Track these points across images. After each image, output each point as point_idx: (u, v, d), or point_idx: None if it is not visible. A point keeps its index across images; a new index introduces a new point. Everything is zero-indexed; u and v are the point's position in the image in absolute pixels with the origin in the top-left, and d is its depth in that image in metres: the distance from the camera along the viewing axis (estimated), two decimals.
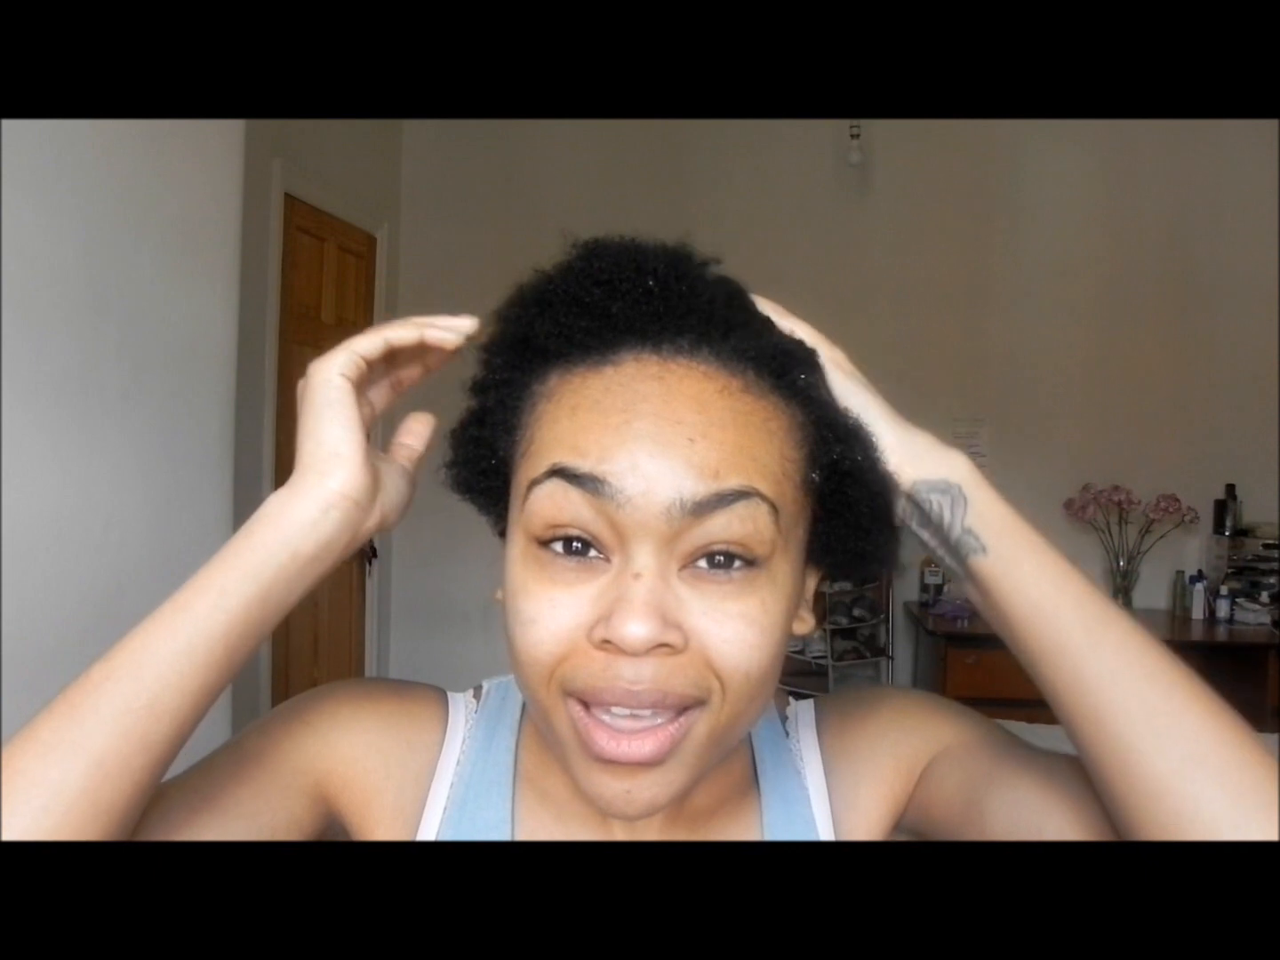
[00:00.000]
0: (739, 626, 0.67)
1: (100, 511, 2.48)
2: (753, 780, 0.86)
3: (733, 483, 0.66)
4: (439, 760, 0.84)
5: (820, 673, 5.09)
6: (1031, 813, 0.75)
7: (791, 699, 0.91)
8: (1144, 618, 4.33)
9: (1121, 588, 5.09)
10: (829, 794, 0.85)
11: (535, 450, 0.70)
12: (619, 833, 0.82)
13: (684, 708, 0.67)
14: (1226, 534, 5.10)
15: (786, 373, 0.71)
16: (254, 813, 0.75)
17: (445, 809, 0.82)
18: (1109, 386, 5.20)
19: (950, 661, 4.65)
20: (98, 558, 2.48)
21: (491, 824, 0.81)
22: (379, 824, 0.81)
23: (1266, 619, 4.89)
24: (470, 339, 0.75)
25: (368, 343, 0.73)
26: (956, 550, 0.75)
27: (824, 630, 5.06)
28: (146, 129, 2.48)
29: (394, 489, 0.77)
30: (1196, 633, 4.96)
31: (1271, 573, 4.99)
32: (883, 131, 5.24)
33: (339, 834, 0.83)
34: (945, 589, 5.15)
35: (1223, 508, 5.14)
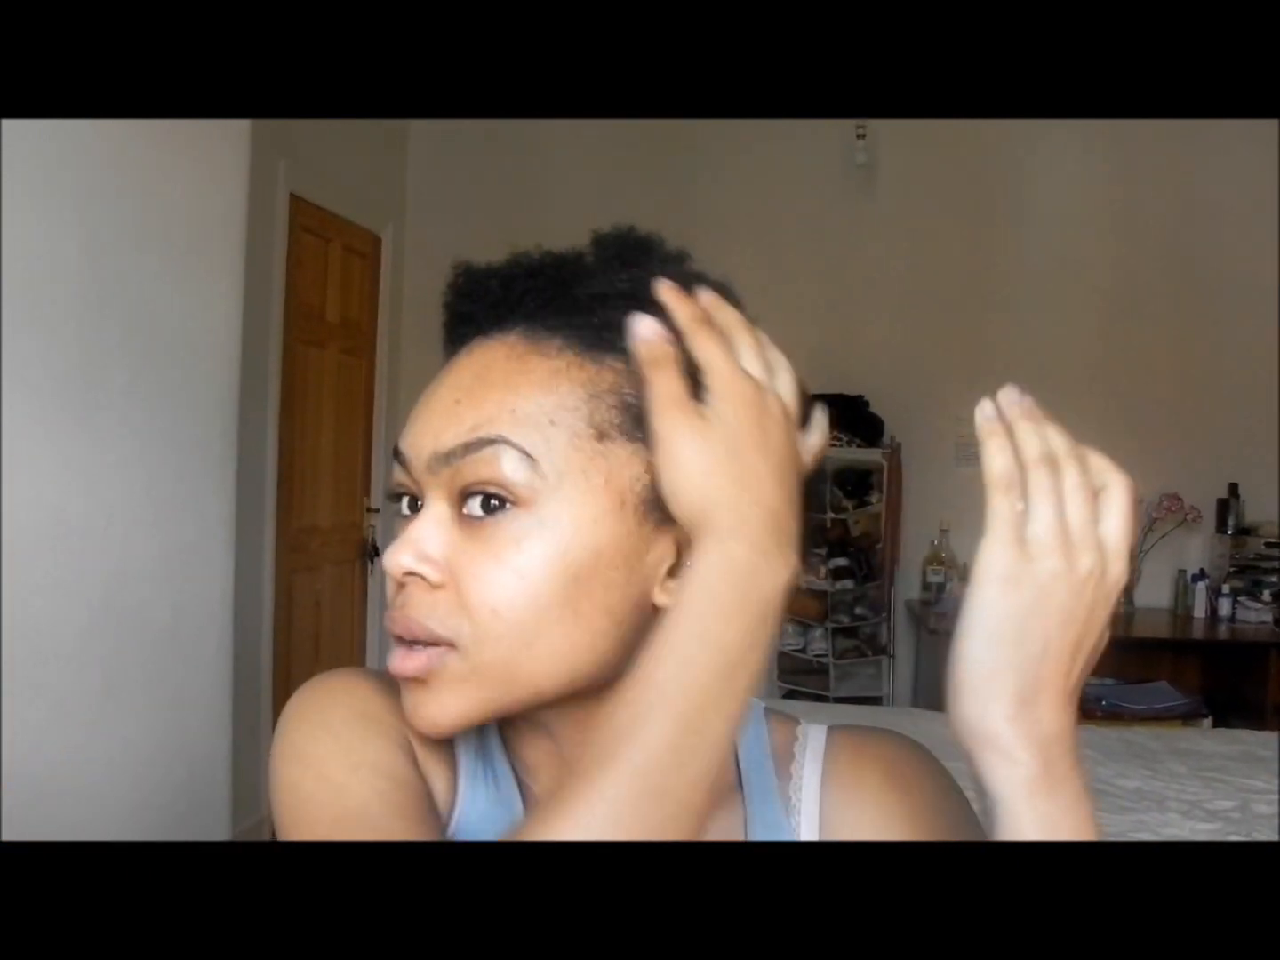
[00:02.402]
0: (488, 565, 0.72)
1: (103, 509, 2.48)
2: (736, 790, 0.85)
3: (480, 433, 0.72)
4: (459, 764, 0.85)
5: (821, 671, 5.09)
6: None
7: (802, 722, 0.90)
8: (1146, 616, 4.31)
9: (1123, 586, 5.09)
10: (820, 831, 0.84)
11: None
12: None
13: (437, 643, 0.74)
14: (1229, 533, 5.09)
15: (598, 330, 0.75)
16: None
17: (462, 781, 0.84)
18: (1112, 386, 5.20)
19: None
20: (100, 555, 2.48)
21: (499, 817, 0.82)
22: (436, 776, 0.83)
23: (1268, 617, 4.89)
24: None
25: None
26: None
27: (825, 628, 5.07)
28: (152, 129, 2.48)
29: None
30: (1198, 631, 4.97)
31: (1273, 571, 4.99)
32: (888, 132, 5.23)
33: None
34: (947, 588, 5.14)
35: (1225, 507, 5.14)
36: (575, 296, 0.76)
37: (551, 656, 0.73)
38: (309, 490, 4.84)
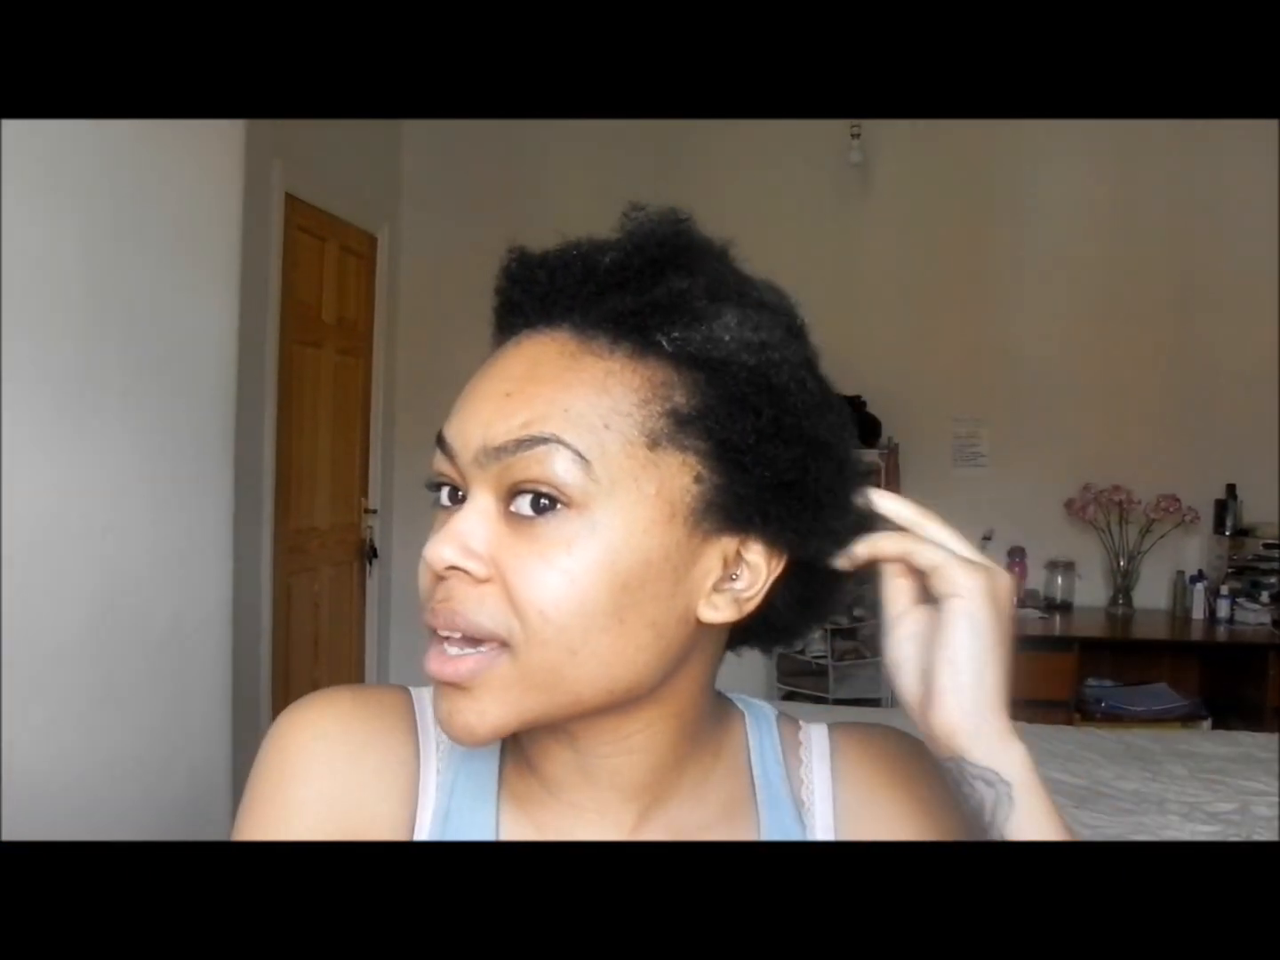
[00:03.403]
0: (537, 566, 0.71)
1: (101, 511, 2.48)
2: (750, 802, 0.85)
3: (533, 430, 0.71)
4: (419, 775, 0.84)
5: (820, 672, 5.09)
6: None
7: (802, 722, 0.90)
8: (1144, 618, 4.31)
9: (1122, 588, 5.10)
10: (836, 837, 0.84)
11: None
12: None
13: (482, 640, 0.72)
14: (1227, 534, 5.09)
15: (648, 334, 0.73)
16: None
17: (431, 822, 0.82)
18: (1110, 386, 5.21)
19: None
20: (98, 557, 2.48)
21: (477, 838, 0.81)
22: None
23: (1267, 619, 4.89)
24: None
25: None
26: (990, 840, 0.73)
27: (824, 630, 5.06)
28: (147, 130, 2.48)
29: None
30: (1197, 633, 4.97)
31: (1272, 572, 4.99)
32: (883, 131, 5.23)
33: None
34: None
35: (1223, 508, 5.13)
36: (626, 300, 0.74)
37: (595, 665, 0.72)
38: (307, 491, 4.84)
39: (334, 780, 0.83)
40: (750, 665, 4.72)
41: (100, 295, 2.42)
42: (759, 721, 0.88)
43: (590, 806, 0.81)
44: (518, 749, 0.83)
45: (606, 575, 0.71)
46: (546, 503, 0.71)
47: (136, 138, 2.47)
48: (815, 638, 5.12)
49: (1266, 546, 5.02)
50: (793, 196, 5.37)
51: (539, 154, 5.46)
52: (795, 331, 0.79)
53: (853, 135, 5.17)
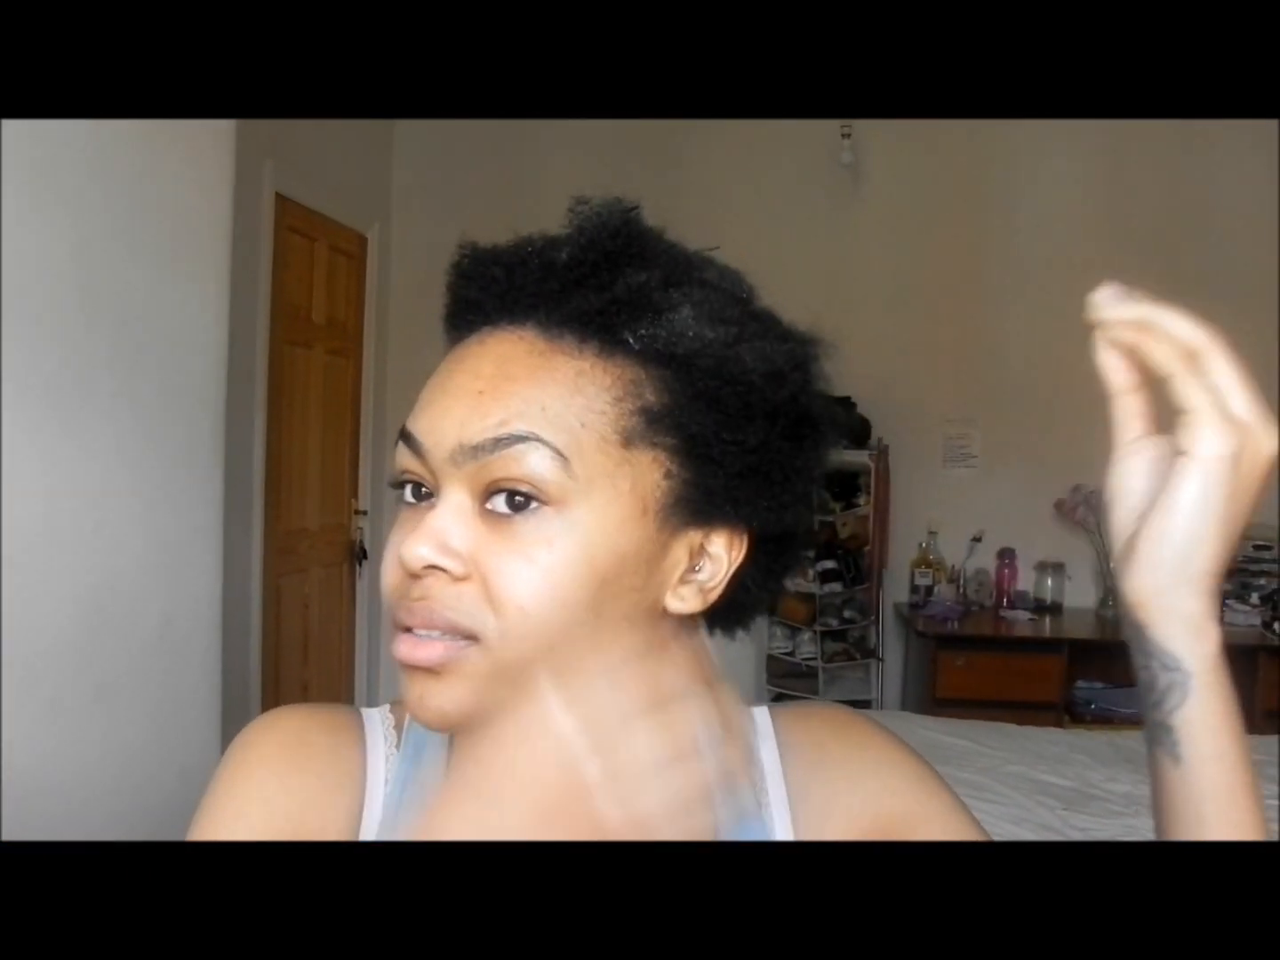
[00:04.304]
0: (516, 563, 0.71)
1: (90, 513, 2.47)
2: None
3: (511, 428, 0.71)
4: (365, 791, 0.85)
5: (810, 674, 5.09)
6: None
7: (745, 709, 0.89)
8: None
9: (1111, 589, 5.10)
10: (791, 813, 0.85)
11: None
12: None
13: (458, 635, 0.72)
14: None
15: (615, 332, 0.74)
16: None
17: (377, 836, 0.83)
18: (1100, 388, 5.20)
19: (940, 663, 4.65)
20: (88, 559, 2.47)
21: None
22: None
23: (1256, 620, 4.90)
24: None
25: None
26: (1150, 735, 0.71)
27: (814, 632, 5.07)
28: (137, 131, 2.48)
29: None
30: None
31: (1262, 574, 5.00)
32: (874, 132, 5.23)
33: None
34: (935, 590, 5.15)
35: None
36: (589, 298, 0.75)
37: (570, 658, 0.73)
38: (297, 492, 4.83)
39: (277, 791, 0.83)
40: (739, 667, 4.68)
41: (90, 294, 2.41)
42: None
43: None
44: (467, 752, 0.82)
45: (585, 571, 0.72)
46: (522, 500, 0.72)
47: (127, 138, 2.46)
48: (805, 639, 5.12)
49: (1256, 548, 5.02)
50: (783, 197, 5.37)
51: (530, 155, 5.46)
52: (747, 303, 0.79)
53: (843, 136, 5.17)
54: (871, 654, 5.23)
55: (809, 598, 5.00)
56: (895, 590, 5.38)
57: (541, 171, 5.46)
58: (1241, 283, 5.08)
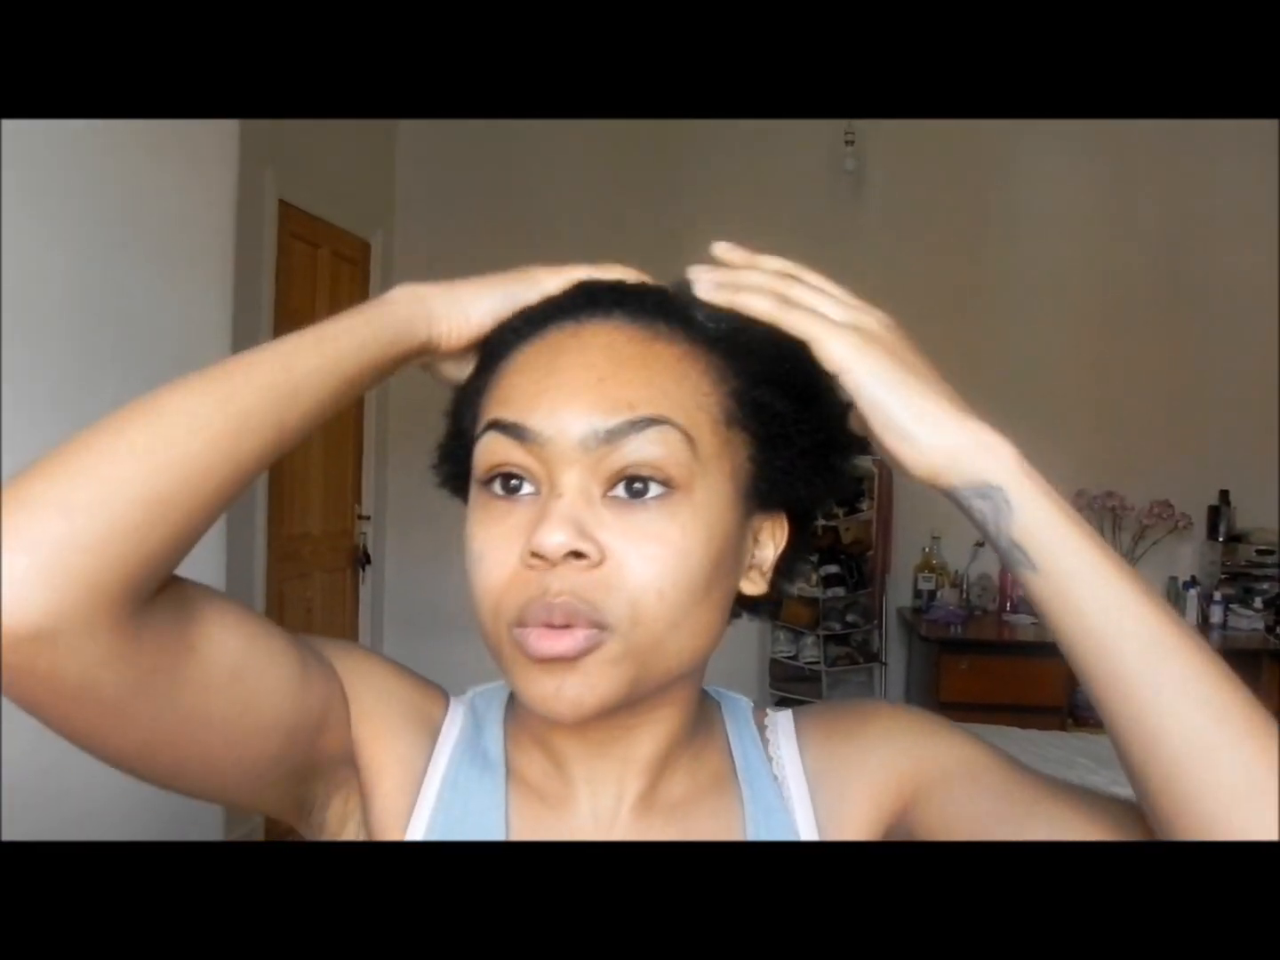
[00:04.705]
0: (654, 546, 0.72)
1: None
2: (732, 776, 0.87)
3: (643, 411, 0.73)
4: (441, 732, 0.87)
5: (814, 678, 5.09)
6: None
7: (769, 710, 0.93)
8: None
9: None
10: (812, 800, 0.86)
11: (481, 420, 0.79)
12: (589, 815, 0.84)
13: (596, 624, 0.72)
14: (1220, 540, 5.10)
15: (694, 320, 0.77)
16: (295, 664, 0.77)
17: (443, 781, 0.84)
18: (1103, 392, 5.21)
19: (943, 667, 4.65)
20: None
21: (485, 809, 0.83)
22: (387, 766, 0.84)
23: (1260, 625, 4.89)
24: None
25: None
26: (1006, 560, 0.73)
27: (817, 636, 5.06)
28: (142, 136, 2.48)
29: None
30: None
31: (1265, 579, 5.00)
32: (877, 137, 5.24)
33: (344, 762, 0.83)
34: (938, 595, 5.15)
35: (1216, 514, 5.14)
36: (667, 289, 0.78)
37: (688, 638, 0.75)
38: (300, 497, 4.83)
39: (385, 680, 0.87)
40: (742, 671, 4.69)
41: (95, 300, 2.42)
42: (734, 708, 0.92)
43: (596, 779, 0.83)
44: (521, 727, 0.87)
45: (706, 552, 0.74)
46: (641, 486, 0.73)
47: (131, 143, 2.46)
48: (808, 643, 5.12)
49: (1260, 552, 5.02)
50: (786, 202, 5.36)
51: (531, 159, 5.46)
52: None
53: (847, 142, 5.17)
54: (875, 658, 5.23)
55: (812, 602, 5.00)
56: (898, 595, 5.38)
57: (542, 175, 5.47)
58: (1242, 283, 5.08)
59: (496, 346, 0.81)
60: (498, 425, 0.76)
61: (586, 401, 0.73)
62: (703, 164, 5.36)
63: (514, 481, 0.76)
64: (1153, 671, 0.67)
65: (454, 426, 0.87)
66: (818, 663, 5.07)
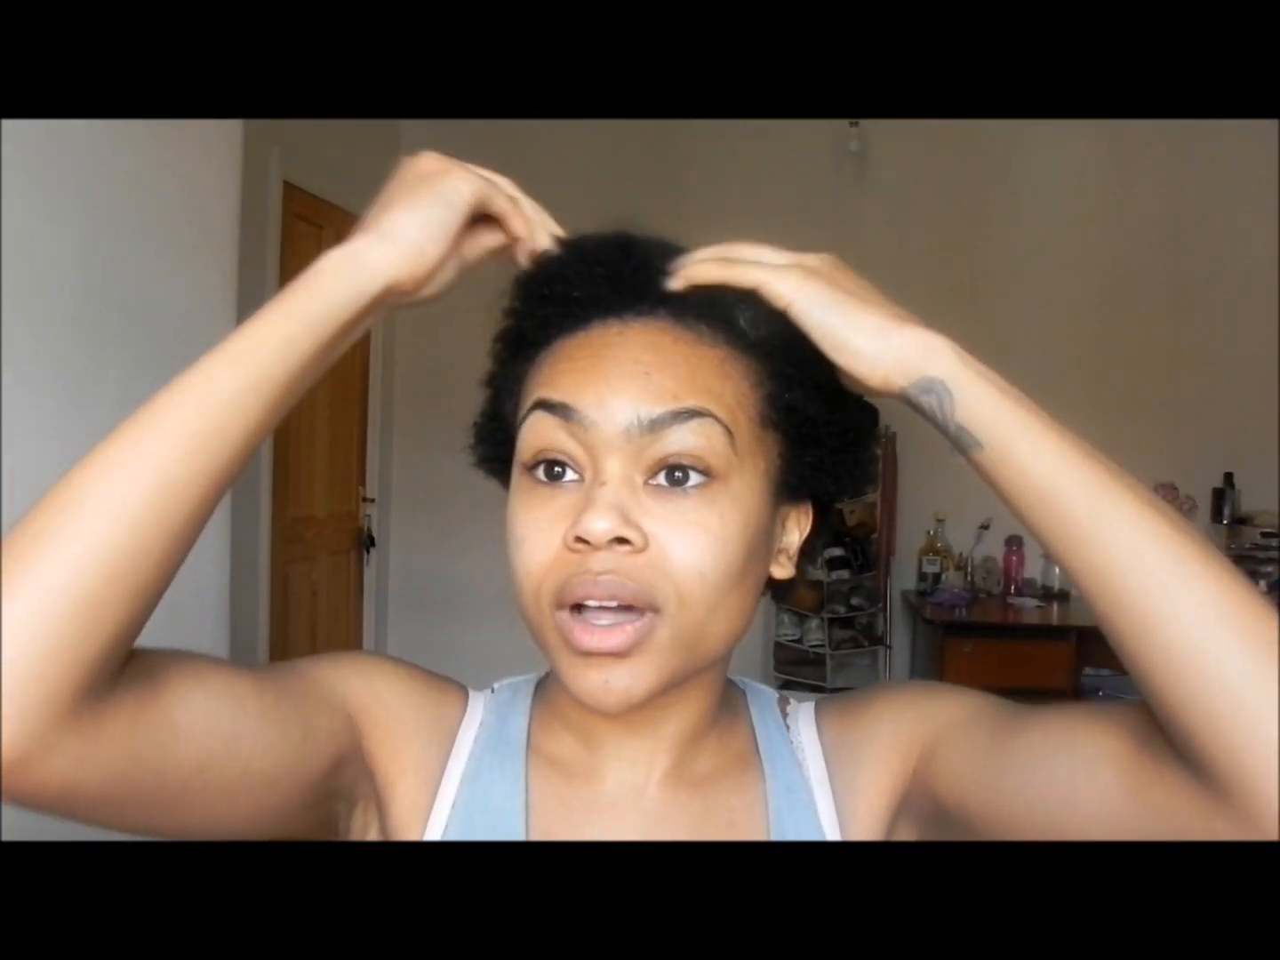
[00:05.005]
0: (695, 533, 0.76)
1: None
2: (755, 755, 0.90)
3: (687, 403, 0.76)
4: (460, 729, 0.89)
5: (818, 661, 5.10)
6: (1043, 763, 0.76)
7: (792, 699, 0.96)
8: None
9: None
10: (830, 780, 0.89)
11: (524, 402, 0.81)
12: (616, 786, 0.87)
13: (642, 609, 0.75)
14: (1225, 522, 5.09)
15: (736, 325, 0.81)
16: (291, 714, 0.78)
17: (463, 775, 0.87)
18: (1106, 376, 5.20)
19: (947, 650, 4.65)
20: None
21: (506, 793, 0.86)
22: (403, 773, 0.86)
23: None
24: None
25: (501, 199, 0.83)
26: (959, 447, 0.76)
27: (822, 619, 5.07)
28: (146, 119, 2.47)
29: (441, 281, 0.82)
30: None
31: (1270, 561, 4.99)
32: (882, 120, 5.22)
33: (361, 777, 0.85)
34: (943, 578, 5.15)
35: (1221, 496, 5.14)
36: (709, 293, 0.80)
37: (725, 622, 0.80)
38: (304, 480, 4.84)
39: (397, 682, 0.89)
40: (747, 654, 4.69)
41: (99, 285, 2.41)
42: (759, 696, 0.96)
43: (626, 756, 0.87)
44: (551, 712, 0.90)
45: (742, 539, 0.78)
46: (682, 475, 0.76)
47: (135, 126, 2.46)
48: (812, 626, 5.13)
49: (1265, 535, 5.02)
50: (790, 184, 5.35)
51: (536, 145, 5.45)
52: None
53: (851, 124, 5.15)
54: (879, 641, 5.23)
55: (816, 585, 5.00)
56: (903, 578, 5.38)
57: (545, 158, 5.44)
58: (1244, 268, 5.07)
59: (535, 332, 0.83)
60: (545, 405, 0.78)
61: (632, 391, 0.76)
62: (706, 147, 5.34)
63: (558, 468, 0.78)
64: (1103, 522, 0.71)
65: (491, 408, 0.90)
66: (822, 646, 5.08)
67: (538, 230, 0.83)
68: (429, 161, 0.82)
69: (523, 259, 0.84)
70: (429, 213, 0.79)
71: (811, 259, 0.81)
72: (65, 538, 0.64)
